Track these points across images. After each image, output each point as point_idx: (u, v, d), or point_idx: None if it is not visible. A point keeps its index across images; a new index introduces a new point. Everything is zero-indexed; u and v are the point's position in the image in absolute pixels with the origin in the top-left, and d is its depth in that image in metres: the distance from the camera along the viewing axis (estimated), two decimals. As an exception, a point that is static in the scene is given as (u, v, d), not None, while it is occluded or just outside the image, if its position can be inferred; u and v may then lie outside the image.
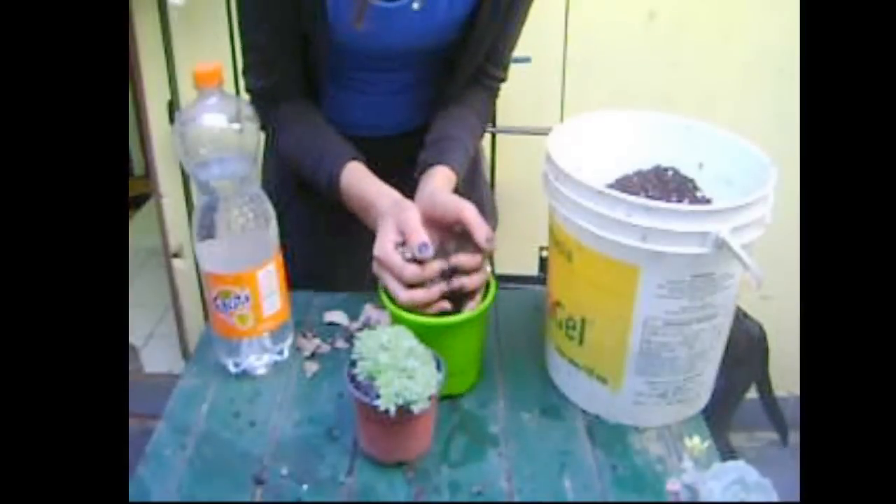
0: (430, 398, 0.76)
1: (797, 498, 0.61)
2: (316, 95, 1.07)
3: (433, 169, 0.99)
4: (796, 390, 1.92)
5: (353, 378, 0.78)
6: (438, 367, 0.80)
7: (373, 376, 0.77)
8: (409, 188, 0.96)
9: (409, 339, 0.79)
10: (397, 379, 0.75)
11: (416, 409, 0.75)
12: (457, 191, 0.98)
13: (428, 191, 0.95)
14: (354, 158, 1.00)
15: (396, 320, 0.86)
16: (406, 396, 0.75)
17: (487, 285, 0.89)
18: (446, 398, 0.89)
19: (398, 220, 0.87)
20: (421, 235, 0.84)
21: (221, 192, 0.86)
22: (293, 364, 0.96)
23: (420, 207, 0.90)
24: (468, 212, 0.86)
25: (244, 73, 1.06)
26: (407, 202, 0.91)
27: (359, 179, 0.98)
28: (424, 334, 0.83)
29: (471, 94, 1.12)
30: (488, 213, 1.28)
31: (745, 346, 1.53)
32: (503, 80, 1.15)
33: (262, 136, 1.05)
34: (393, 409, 0.74)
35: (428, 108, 1.13)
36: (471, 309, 0.85)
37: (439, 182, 0.97)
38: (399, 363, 0.76)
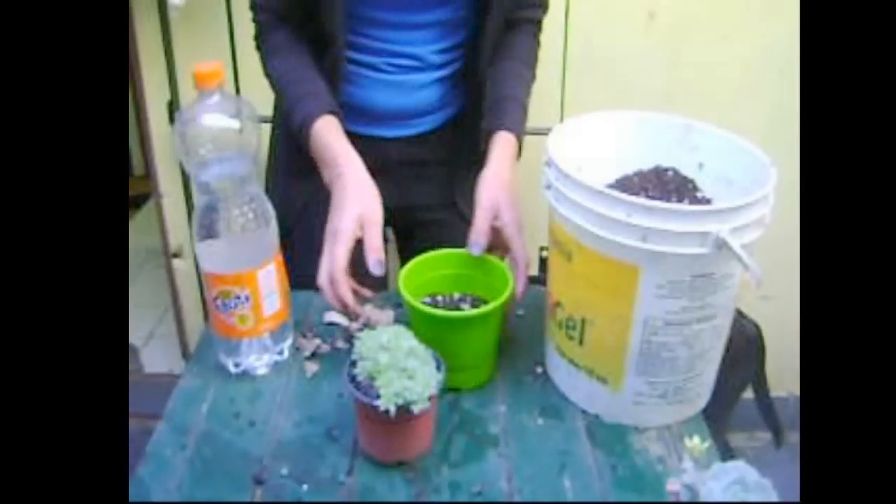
0: (430, 398, 0.76)
1: (797, 498, 0.61)
2: (332, 75, 1.06)
3: (494, 138, 1.03)
4: (796, 390, 1.91)
5: (353, 378, 0.78)
6: (438, 368, 0.80)
7: (373, 376, 0.77)
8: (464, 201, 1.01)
9: (409, 339, 0.79)
10: (397, 379, 0.75)
11: (416, 409, 0.75)
12: (520, 143, 1.05)
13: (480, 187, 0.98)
14: (333, 112, 1.01)
15: (414, 313, 0.87)
16: (406, 396, 0.75)
17: (506, 282, 0.90)
18: (453, 391, 0.90)
19: (364, 215, 0.91)
20: (379, 252, 0.90)
21: (221, 192, 0.86)
22: (293, 364, 0.96)
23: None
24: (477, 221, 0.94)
25: None
26: (373, 194, 0.94)
27: (331, 133, 0.99)
28: (441, 328, 0.83)
29: (515, 43, 1.12)
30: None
31: (741, 346, 1.52)
32: (544, 7, 1.15)
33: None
34: (393, 409, 0.74)
35: (459, 93, 1.13)
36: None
37: (495, 165, 1.00)
38: (399, 363, 0.76)
